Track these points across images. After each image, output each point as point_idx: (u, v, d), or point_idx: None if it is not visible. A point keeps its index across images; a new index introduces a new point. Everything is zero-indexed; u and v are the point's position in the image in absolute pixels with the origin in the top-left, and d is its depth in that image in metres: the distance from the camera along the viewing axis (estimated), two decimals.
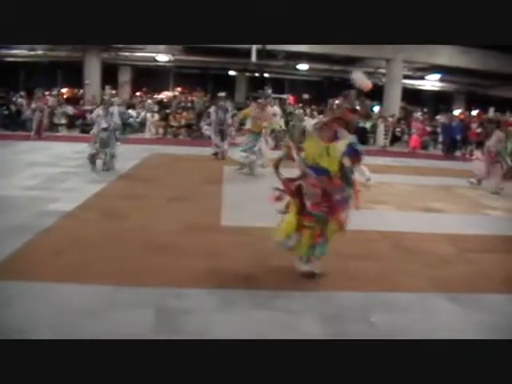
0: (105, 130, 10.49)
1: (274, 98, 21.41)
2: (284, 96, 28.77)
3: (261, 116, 11.35)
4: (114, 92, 27.61)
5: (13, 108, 20.90)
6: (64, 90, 29.58)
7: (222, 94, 13.58)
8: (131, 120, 20.14)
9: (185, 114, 21.56)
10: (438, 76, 28.64)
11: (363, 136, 20.58)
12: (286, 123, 20.26)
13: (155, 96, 27.74)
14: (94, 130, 10.64)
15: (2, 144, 14.91)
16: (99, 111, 10.70)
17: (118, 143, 10.96)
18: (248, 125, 11.66)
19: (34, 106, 18.17)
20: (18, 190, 8.52)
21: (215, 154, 13.80)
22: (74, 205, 7.62)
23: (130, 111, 21.67)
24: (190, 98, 26.97)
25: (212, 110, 14.30)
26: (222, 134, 13.74)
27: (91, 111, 19.63)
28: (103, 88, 24.62)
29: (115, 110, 10.82)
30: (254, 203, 8.40)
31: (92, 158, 10.58)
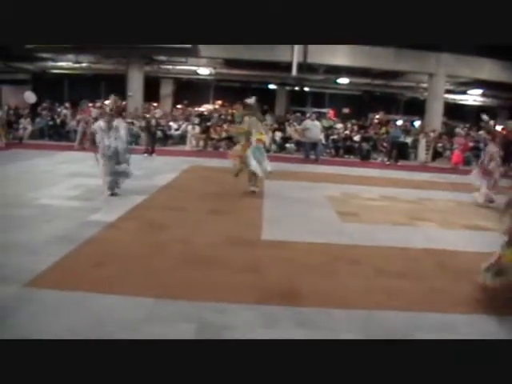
0: (109, 147, 9.14)
1: (314, 112, 21.35)
2: (324, 110, 28.66)
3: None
4: (155, 104, 28.20)
5: (57, 119, 21.39)
6: (107, 102, 30.06)
7: (251, 100, 12.99)
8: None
9: (225, 126, 21.62)
10: (480, 91, 28.10)
11: (404, 151, 20.28)
12: (326, 137, 20.21)
13: (196, 109, 27.94)
14: (101, 148, 9.18)
15: (46, 154, 15.21)
16: (100, 124, 9.26)
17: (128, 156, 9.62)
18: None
19: (78, 117, 18.59)
20: (61, 199, 8.63)
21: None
22: (115, 216, 7.66)
23: (172, 124, 21.86)
24: (230, 111, 27.06)
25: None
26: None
27: (133, 123, 20.04)
28: (146, 100, 25.11)
29: (121, 124, 9.57)
30: (295, 217, 8.35)
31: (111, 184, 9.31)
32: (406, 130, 22.30)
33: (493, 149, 11.04)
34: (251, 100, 10.82)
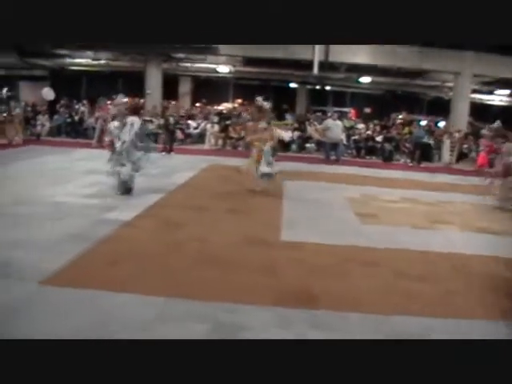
0: (123, 143, 9.20)
1: (336, 112, 21.29)
2: (346, 109, 28.54)
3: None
4: (174, 103, 28.33)
5: (75, 116, 21.61)
6: (125, 100, 30.27)
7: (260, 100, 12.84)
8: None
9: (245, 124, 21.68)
10: (507, 91, 27.77)
11: (428, 152, 20.11)
12: (348, 137, 20.13)
13: (215, 107, 28.01)
14: (116, 145, 9.26)
15: (64, 151, 15.40)
16: (115, 123, 9.47)
17: (142, 154, 9.45)
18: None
19: (97, 114, 18.77)
20: (77, 197, 8.74)
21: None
22: (132, 214, 7.72)
23: (190, 122, 21.96)
24: (249, 110, 27.07)
25: None
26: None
27: (151, 121, 20.16)
28: (165, 98, 25.24)
29: (136, 121, 9.52)
30: (314, 219, 8.37)
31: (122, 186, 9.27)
32: (430, 131, 22.12)
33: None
34: (260, 100, 10.95)
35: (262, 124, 10.57)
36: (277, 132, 10.79)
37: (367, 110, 29.44)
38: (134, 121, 9.44)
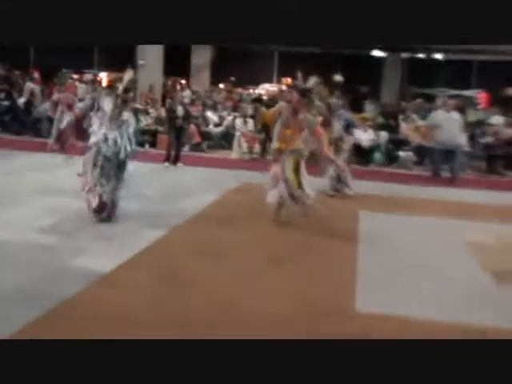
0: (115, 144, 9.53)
1: (452, 96, 21.02)
2: (469, 93, 27.94)
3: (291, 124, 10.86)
4: (183, 82, 28.51)
5: (18, 98, 21.70)
6: (102, 75, 30.62)
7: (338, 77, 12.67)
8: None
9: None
10: None
11: None
12: (472, 140, 19.84)
13: (250, 91, 28.13)
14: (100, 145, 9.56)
15: (0, 155, 15.63)
16: (105, 105, 9.74)
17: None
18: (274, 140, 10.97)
19: (55, 97, 18.63)
20: (24, 232, 8.78)
21: (335, 190, 13.68)
22: (113, 261, 7.72)
23: (210, 114, 22.04)
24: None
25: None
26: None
27: (146, 112, 20.30)
28: (169, 74, 25.37)
29: (130, 118, 9.91)
30: (412, 276, 8.32)
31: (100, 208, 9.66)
32: None
33: None
34: (308, 82, 10.99)
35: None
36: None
37: (510, 92, 28.39)
38: (130, 118, 9.77)
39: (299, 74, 11.00)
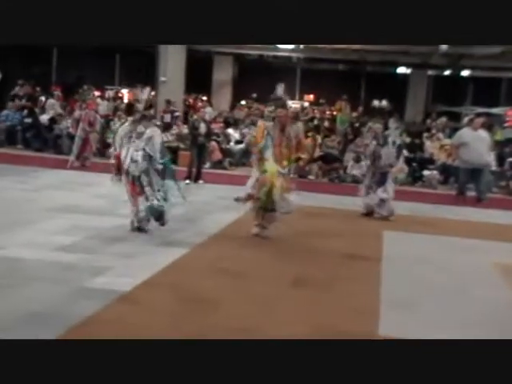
0: (135, 162, 9.92)
1: (479, 115, 20.85)
2: (497, 110, 27.73)
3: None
4: (204, 98, 28.51)
5: (41, 116, 21.73)
6: (124, 91, 30.64)
7: (384, 103, 12.79)
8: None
9: (320, 138, 21.58)
10: None
11: None
12: (500, 159, 19.65)
13: (272, 107, 28.10)
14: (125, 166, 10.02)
15: (20, 172, 15.69)
16: (126, 128, 10.17)
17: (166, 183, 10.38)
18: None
19: (76, 114, 18.65)
20: (43, 250, 8.72)
21: (369, 212, 13.54)
22: (133, 280, 7.68)
23: (231, 131, 22.01)
24: (328, 112, 27.01)
25: (369, 135, 14.14)
26: (381, 179, 13.44)
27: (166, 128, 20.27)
28: (190, 91, 25.37)
29: (156, 133, 10.23)
30: (438, 300, 8.20)
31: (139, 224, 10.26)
32: None
33: None
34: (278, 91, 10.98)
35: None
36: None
37: None
38: (155, 133, 10.01)
39: (279, 87, 10.88)
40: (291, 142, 10.51)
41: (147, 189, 9.90)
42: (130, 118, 10.08)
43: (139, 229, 10.08)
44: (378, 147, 13.39)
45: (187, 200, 10.91)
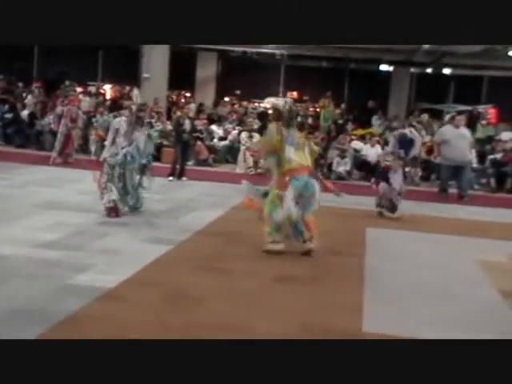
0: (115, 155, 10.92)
1: (461, 113, 20.95)
2: (479, 108, 27.82)
3: None
4: (188, 95, 28.47)
5: (23, 111, 21.66)
6: (107, 87, 30.60)
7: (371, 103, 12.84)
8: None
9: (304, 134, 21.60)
10: None
11: None
12: (481, 157, 19.75)
13: (255, 104, 28.10)
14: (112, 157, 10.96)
15: (0, 168, 15.65)
16: (122, 122, 11.04)
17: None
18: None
19: (58, 110, 18.59)
20: (25, 247, 8.73)
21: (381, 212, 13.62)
22: (117, 277, 7.68)
23: (214, 128, 22.01)
24: (311, 109, 27.02)
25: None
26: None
27: (151, 125, 20.24)
28: (172, 87, 25.33)
29: (141, 136, 11.17)
30: (421, 295, 8.24)
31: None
32: None
33: None
34: (280, 102, 10.90)
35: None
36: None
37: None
38: (140, 137, 10.94)
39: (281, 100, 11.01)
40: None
41: (116, 180, 10.68)
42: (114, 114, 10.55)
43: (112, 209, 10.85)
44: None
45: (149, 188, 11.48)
